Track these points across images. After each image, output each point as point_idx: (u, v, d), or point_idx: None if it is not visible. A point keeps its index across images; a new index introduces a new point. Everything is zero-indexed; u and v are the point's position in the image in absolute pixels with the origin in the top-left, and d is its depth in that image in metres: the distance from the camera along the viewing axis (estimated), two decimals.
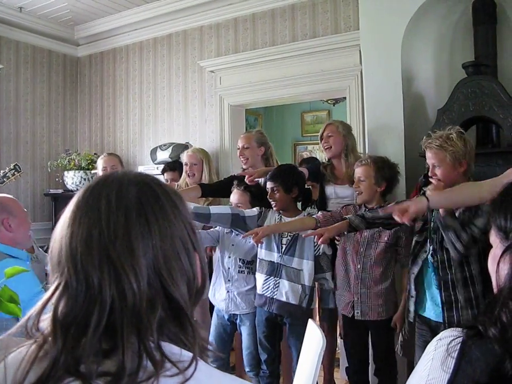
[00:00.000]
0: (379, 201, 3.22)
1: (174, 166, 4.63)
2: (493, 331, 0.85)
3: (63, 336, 0.76)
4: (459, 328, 0.96)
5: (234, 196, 3.48)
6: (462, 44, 3.93)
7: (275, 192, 3.29)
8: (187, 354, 0.78)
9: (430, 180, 2.82)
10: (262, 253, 3.34)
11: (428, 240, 2.82)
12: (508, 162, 3.32)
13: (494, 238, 0.96)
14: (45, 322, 0.79)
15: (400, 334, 3.07)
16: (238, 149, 3.97)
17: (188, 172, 4.19)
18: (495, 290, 0.95)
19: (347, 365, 3.38)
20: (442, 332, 1.01)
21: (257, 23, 5.04)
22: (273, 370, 3.34)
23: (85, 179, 5.53)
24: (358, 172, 3.23)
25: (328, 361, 3.83)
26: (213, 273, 3.55)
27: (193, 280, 0.86)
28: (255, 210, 3.36)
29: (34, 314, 0.81)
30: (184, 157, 4.27)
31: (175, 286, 0.81)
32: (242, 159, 3.94)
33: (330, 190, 3.71)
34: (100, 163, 4.28)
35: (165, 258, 0.81)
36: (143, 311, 0.77)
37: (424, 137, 2.86)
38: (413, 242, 2.92)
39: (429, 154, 2.78)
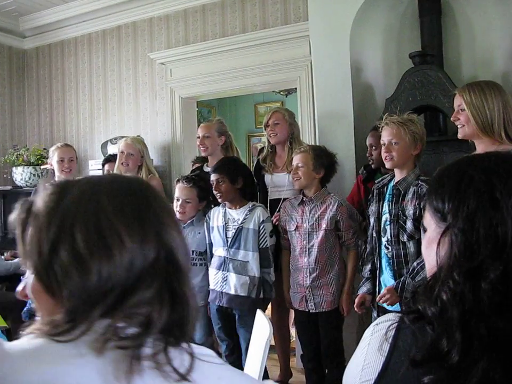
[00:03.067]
0: (317, 188, 3.27)
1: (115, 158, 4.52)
2: (433, 310, 0.87)
3: None
4: (396, 314, 0.98)
5: (182, 192, 3.46)
6: (410, 34, 3.99)
7: (220, 183, 3.30)
8: None
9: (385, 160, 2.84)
10: (214, 248, 3.37)
11: (381, 232, 2.85)
12: (453, 150, 3.40)
13: (429, 221, 0.97)
14: None
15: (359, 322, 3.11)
16: (198, 137, 3.94)
17: (123, 161, 4.00)
18: (429, 273, 0.97)
19: (302, 353, 3.42)
20: (379, 317, 1.02)
21: (207, 14, 5.00)
22: (234, 360, 3.34)
23: (34, 175, 5.40)
24: (297, 158, 3.27)
25: (282, 350, 3.86)
26: None
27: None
28: (204, 227, 3.47)
29: None
30: (121, 145, 4.10)
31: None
32: (202, 148, 3.93)
33: (267, 179, 3.74)
34: (56, 154, 4.05)
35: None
36: None
37: (385, 115, 2.89)
38: (371, 237, 2.95)
39: (388, 131, 2.78)
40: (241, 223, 3.30)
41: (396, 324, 0.94)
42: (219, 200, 3.36)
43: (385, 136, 2.80)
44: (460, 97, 2.47)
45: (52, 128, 6.06)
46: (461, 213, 0.88)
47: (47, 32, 5.96)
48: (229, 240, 3.30)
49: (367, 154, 3.51)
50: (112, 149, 5.02)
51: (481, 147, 2.43)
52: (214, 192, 3.33)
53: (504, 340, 0.78)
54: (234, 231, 3.31)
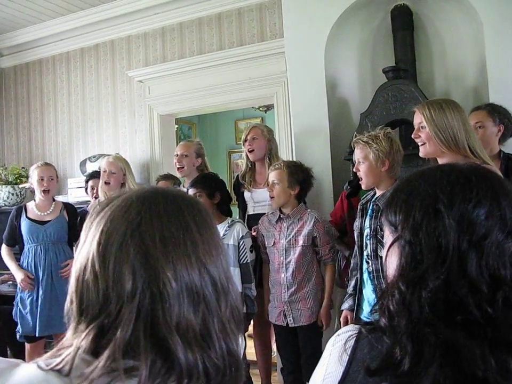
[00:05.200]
0: (294, 204, 3.29)
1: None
2: (383, 320, 0.89)
3: None
4: (356, 325, 1.00)
5: None
6: (383, 49, 4.05)
7: (198, 198, 3.30)
8: None
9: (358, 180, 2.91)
10: None
11: (363, 247, 2.88)
12: (427, 163, 3.44)
13: (387, 234, 0.99)
14: None
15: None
16: (176, 155, 3.95)
17: (105, 179, 4.01)
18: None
19: (282, 366, 3.44)
20: (341, 328, 1.04)
21: (185, 32, 5.04)
22: None
23: (12, 194, 5.35)
24: (272, 176, 3.30)
25: (264, 365, 3.85)
26: None
27: None
28: None
29: None
30: (103, 164, 4.11)
31: None
32: (178, 165, 3.94)
33: (247, 195, 3.76)
34: (36, 173, 4.06)
35: None
36: None
37: (355, 133, 2.96)
38: (355, 252, 2.98)
39: (356, 151, 2.86)
40: (221, 239, 3.29)
41: (355, 335, 0.96)
42: None
43: (355, 155, 2.88)
44: (420, 115, 2.45)
45: (30, 146, 6.04)
46: (408, 224, 0.91)
47: (24, 51, 5.96)
48: None
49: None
50: (91, 167, 5.01)
51: (443, 162, 2.43)
52: None
53: (451, 347, 0.80)
54: None
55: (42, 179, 4.04)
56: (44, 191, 4.04)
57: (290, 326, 3.23)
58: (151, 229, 0.80)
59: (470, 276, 0.83)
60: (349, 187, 3.60)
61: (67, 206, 4.23)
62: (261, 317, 3.56)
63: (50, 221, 4.05)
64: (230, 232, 3.33)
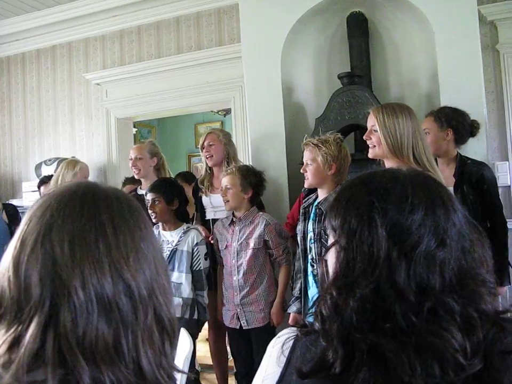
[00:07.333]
0: (247, 207, 3.31)
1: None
2: (317, 324, 0.90)
3: None
4: (294, 328, 1.01)
5: None
6: (339, 55, 4.11)
7: (156, 203, 3.29)
8: None
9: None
10: None
11: (307, 250, 2.91)
12: (380, 168, 3.50)
13: (331, 237, 1.01)
14: None
15: None
16: (131, 159, 3.94)
17: None
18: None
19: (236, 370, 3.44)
20: (282, 330, 1.06)
21: (143, 35, 5.02)
22: None
23: None
24: (225, 180, 3.31)
25: (220, 369, 3.84)
26: None
27: None
28: None
29: None
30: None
31: None
32: (134, 169, 3.94)
33: (206, 200, 3.76)
34: None
35: None
36: None
37: (306, 135, 3.01)
38: (299, 256, 3.00)
39: (305, 152, 2.90)
40: (176, 245, 3.31)
41: (293, 336, 0.98)
42: (153, 220, 3.34)
43: (304, 157, 2.91)
44: (374, 118, 2.50)
45: None
46: (344, 230, 0.92)
47: None
48: None
49: None
50: (46, 171, 4.93)
51: (388, 166, 2.48)
52: (149, 212, 3.31)
53: (379, 353, 0.80)
54: (168, 253, 3.30)
55: None
56: None
57: (244, 328, 3.23)
58: (61, 233, 0.75)
59: (398, 285, 0.84)
60: (306, 189, 3.64)
61: (7, 207, 4.10)
62: (216, 321, 3.56)
63: None
64: (184, 239, 3.33)
